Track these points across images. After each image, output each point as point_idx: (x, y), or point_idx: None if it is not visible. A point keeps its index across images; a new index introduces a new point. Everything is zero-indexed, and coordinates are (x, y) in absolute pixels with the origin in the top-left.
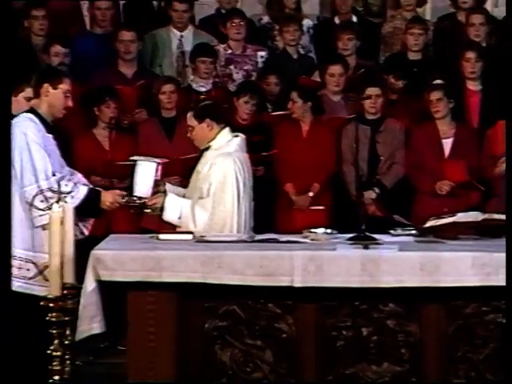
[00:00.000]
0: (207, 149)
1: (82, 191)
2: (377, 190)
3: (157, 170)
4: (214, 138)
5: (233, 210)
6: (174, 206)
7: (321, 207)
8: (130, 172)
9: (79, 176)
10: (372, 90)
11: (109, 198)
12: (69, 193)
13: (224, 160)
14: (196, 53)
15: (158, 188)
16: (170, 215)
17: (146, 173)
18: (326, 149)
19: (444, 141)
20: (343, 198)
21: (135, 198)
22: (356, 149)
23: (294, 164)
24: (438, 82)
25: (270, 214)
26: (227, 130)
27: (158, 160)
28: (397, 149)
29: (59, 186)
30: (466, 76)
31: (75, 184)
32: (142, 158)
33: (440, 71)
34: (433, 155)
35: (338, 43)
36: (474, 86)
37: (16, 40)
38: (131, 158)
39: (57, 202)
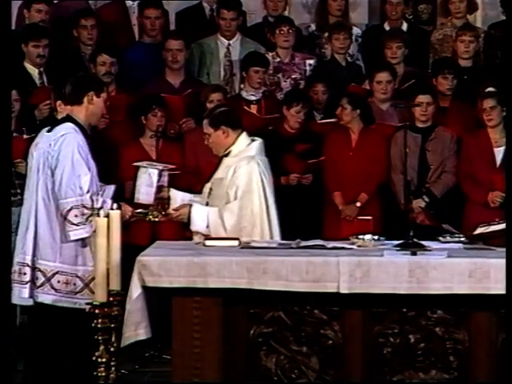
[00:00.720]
0: (226, 155)
1: (109, 205)
2: (426, 199)
3: (160, 175)
4: (232, 144)
5: (261, 212)
6: (201, 216)
7: (368, 217)
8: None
9: (110, 188)
10: (423, 98)
11: (127, 211)
12: (100, 209)
13: (248, 163)
14: (249, 62)
15: (161, 194)
16: (197, 225)
17: (148, 179)
18: (375, 158)
19: (496, 150)
20: (392, 206)
21: (140, 210)
22: (405, 157)
23: (342, 173)
24: (491, 89)
25: (317, 223)
26: (244, 134)
27: (161, 166)
28: (447, 157)
29: (92, 201)
30: None
31: (104, 200)
32: (144, 163)
33: (491, 78)
34: (484, 164)
35: (386, 51)
36: None
37: (65, 49)
38: (134, 164)
39: (88, 217)
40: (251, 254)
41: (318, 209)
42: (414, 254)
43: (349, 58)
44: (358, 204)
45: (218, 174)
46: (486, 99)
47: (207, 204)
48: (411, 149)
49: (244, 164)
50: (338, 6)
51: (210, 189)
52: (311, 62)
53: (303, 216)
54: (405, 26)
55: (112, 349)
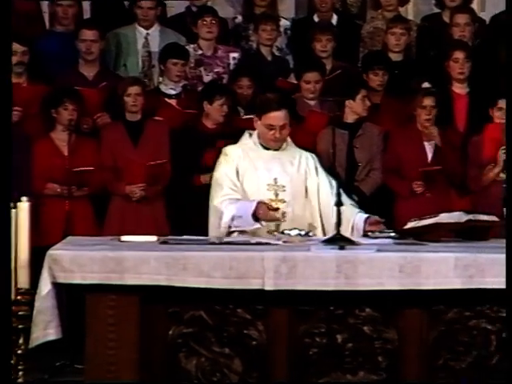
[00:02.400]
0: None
1: None
2: (355, 198)
3: None
4: None
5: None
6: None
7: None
8: None
9: None
10: (362, 92)
11: None
12: None
13: (301, 150)
14: (167, 53)
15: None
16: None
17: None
18: None
19: (427, 144)
20: None
21: None
22: (333, 154)
23: None
24: (427, 85)
25: None
26: None
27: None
28: (375, 154)
29: None
30: (454, 77)
31: None
32: None
33: (423, 73)
34: (413, 159)
35: (315, 44)
36: (460, 88)
37: None
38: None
39: None
40: (171, 249)
41: None
42: (341, 248)
43: (276, 52)
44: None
45: (274, 172)
46: (426, 97)
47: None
48: (339, 146)
49: (303, 152)
50: None
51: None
52: (235, 55)
53: None
54: (335, 19)
55: (20, 351)
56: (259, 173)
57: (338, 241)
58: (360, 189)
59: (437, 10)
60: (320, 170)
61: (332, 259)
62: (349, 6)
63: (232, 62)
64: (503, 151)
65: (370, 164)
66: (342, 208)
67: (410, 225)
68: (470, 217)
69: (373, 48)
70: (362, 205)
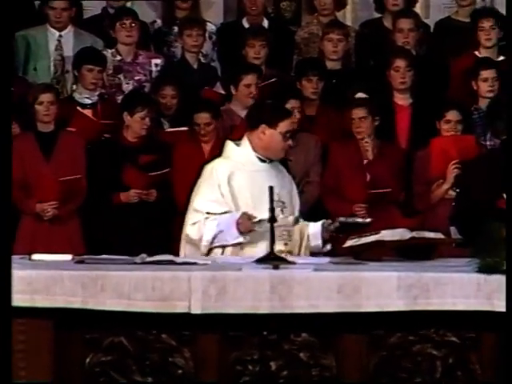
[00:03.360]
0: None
1: None
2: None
3: None
4: None
5: None
6: None
7: None
8: None
9: None
10: (293, 102)
11: None
12: None
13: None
14: (81, 58)
15: None
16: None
17: None
18: None
19: (366, 162)
20: None
21: None
22: None
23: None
24: (361, 95)
25: (167, 245)
26: None
27: None
28: (311, 165)
29: None
30: (395, 88)
31: None
32: None
33: (363, 83)
34: (353, 178)
35: (248, 50)
36: (403, 99)
37: None
38: None
39: None
40: (87, 269)
41: (167, 229)
42: (276, 267)
43: (202, 59)
44: None
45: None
46: (355, 108)
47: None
48: None
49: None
50: None
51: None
52: (158, 61)
53: (150, 235)
54: (266, 24)
55: None
56: (259, 185)
57: (272, 260)
58: None
59: (377, 15)
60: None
61: (265, 279)
62: (282, 11)
63: (154, 69)
64: (453, 166)
65: (305, 177)
66: (300, 225)
67: (348, 243)
68: (414, 234)
69: (308, 55)
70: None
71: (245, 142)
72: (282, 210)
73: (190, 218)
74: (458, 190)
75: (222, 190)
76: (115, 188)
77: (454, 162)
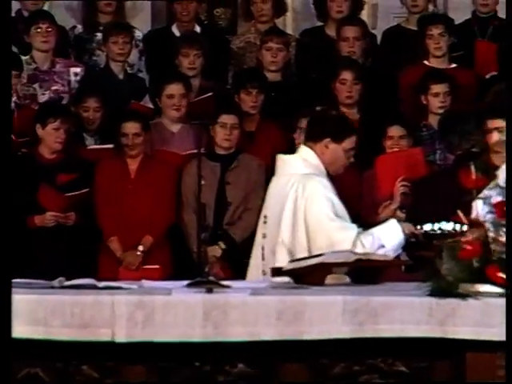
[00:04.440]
0: None
1: None
2: (223, 246)
3: None
4: None
5: None
6: None
7: (155, 266)
8: None
9: None
10: (226, 118)
11: None
12: None
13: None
14: None
15: None
16: None
17: None
18: (160, 192)
19: None
20: (185, 253)
21: None
22: (198, 192)
23: (120, 210)
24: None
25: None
26: None
27: None
28: (252, 191)
29: None
30: (341, 102)
31: None
32: None
33: (306, 96)
34: None
35: (181, 60)
36: (350, 114)
37: None
38: None
39: None
40: None
41: (91, 255)
42: (209, 291)
43: (128, 69)
44: (141, 248)
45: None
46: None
47: None
48: (208, 181)
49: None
50: (107, 0)
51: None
52: (77, 70)
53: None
54: (198, 31)
55: None
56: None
57: (205, 283)
58: (229, 233)
59: (320, 24)
60: None
61: (198, 304)
62: (216, 18)
63: (73, 78)
64: (400, 184)
65: (244, 203)
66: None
67: (289, 266)
68: (360, 256)
69: (245, 66)
70: (231, 253)
71: (308, 152)
72: None
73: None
74: (404, 211)
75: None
76: (30, 210)
77: (400, 179)
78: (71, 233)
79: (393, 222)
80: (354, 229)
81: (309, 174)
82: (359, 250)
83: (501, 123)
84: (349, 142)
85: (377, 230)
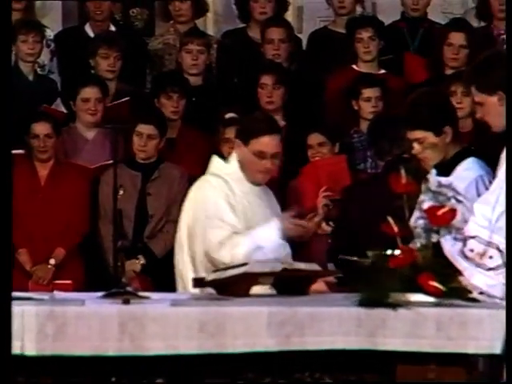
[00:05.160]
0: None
1: None
2: (142, 260)
3: None
4: None
5: None
6: None
7: (67, 281)
8: None
9: None
10: (144, 128)
11: None
12: None
13: None
14: None
15: None
16: None
17: None
18: (73, 201)
19: None
20: (100, 268)
21: None
22: (114, 202)
23: (29, 220)
24: (231, 115)
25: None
26: None
27: None
28: (174, 202)
29: None
30: (263, 108)
31: None
32: None
33: (228, 101)
34: None
35: (98, 61)
36: None
37: None
38: None
39: None
40: None
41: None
42: (126, 302)
43: (39, 70)
44: (53, 262)
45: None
46: (227, 128)
47: None
48: (128, 191)
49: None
50: None
51: None
52: None
53: None
54: (113, 30)
55: None
56: (256, 211)
57: (122, 294)
58: (149, 247)
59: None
60: None
61: (113, 316)
62: (131, 19)
63: None
64: (323, 195)
65: (166, 216)
66: None
67: (212, 276)
68: (286, 265)
69: (163, 69)
70: (151, 268)
71: (232, 156)
72: None
73: (211, 226)
74: (331, 223)
75: (231, 202)
76: None
77: (322, 189)
78: None
79: (272, 222)
80: (228, 230)
81: (207, 175)
82: (228, 250)
83: (419, 134)
84: (256, 144)
85: (255, 231)
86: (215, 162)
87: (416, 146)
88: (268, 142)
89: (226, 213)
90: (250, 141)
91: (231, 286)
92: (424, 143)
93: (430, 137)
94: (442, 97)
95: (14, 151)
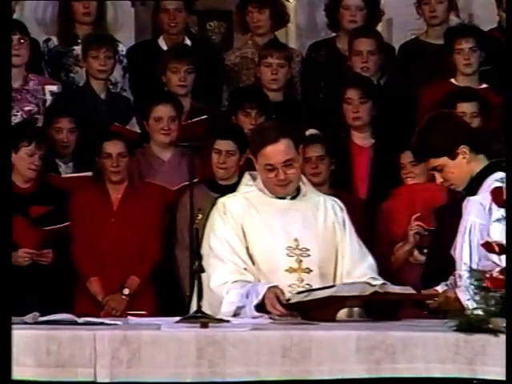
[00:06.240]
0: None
1: None
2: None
3: None
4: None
5: None
6: None
7: (142, 311)
8: None
9: None
10: (222, 144)
11: None
12: None
13: (324, 196)
14: None
15: None
16: None
17: None
18: (147, 226)
19: None
20: (174, 296)
21: None
22: (191, 224)
23: (101, 247)
24: (313, 131)
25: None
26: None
27: None
28: None
29: None
30: (350, 124)
31: None
32: None
33: (312, 118)
34: None
35: (169, 76)
36: (361, 139)
37: None
38: None
39: None
40: None
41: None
42: (204, 326)
43: (111, 87)
44: (127, 292)
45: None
46: (310, 145)
47: None
48: (207, 214)
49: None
50: (85, 9)
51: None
52: (53, 88)
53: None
54: (188, 44)
55: None
56: (274, 232)
57: (199, 318)
58: None
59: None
60: (348, 223)
61: (191, 340)
62: (209, 32)
63: (49, 97)
64: (415, 223)
65: None
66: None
67: (296, 298)
68: (377, 288)
69: (241, 84)
70: None
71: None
72: (299, 260)
73: (213, 266)
74: (425, 251)
75: (242, 227)
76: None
77: (414, 216)
78: (48, 272)
79: (265, 286)
80: (225, 272)
81: (229, 196)
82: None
83: (435, 162)
84: (261, 157)
85: (253, 287)
86: (245, 179)
87: (437, 176)
88: (271, 153)
89: (229, 251)
90: (257, 156)
91: (316, 309)
92: (444, 171)
93: (446, 162)
94: (448, 118)
95: (82, 173)
